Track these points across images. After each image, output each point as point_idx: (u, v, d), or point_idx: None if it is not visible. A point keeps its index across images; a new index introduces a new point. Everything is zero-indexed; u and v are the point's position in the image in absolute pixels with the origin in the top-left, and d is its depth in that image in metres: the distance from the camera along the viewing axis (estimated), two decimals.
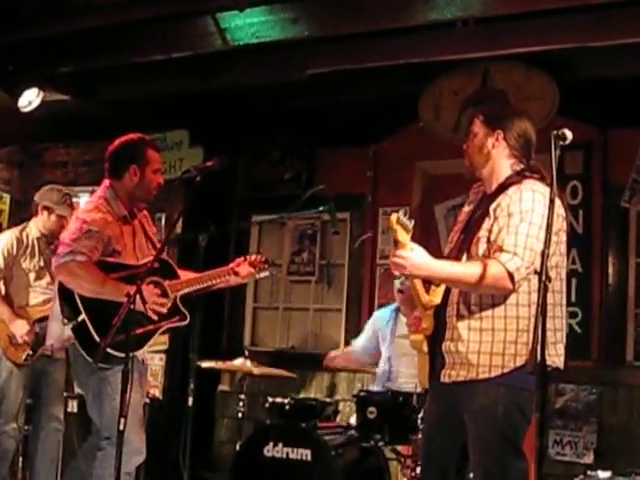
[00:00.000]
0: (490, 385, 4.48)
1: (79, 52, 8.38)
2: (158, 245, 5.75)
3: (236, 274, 5.97)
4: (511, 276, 4.33)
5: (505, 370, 4.46)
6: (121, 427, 4.63)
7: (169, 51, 8.04)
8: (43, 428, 7.63)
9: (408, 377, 7.38)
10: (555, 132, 4.18)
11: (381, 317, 7.90)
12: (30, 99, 8.66)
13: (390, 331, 7.68)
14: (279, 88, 8.84)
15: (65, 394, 7.84)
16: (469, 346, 4.53)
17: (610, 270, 8.02)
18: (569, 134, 4.19)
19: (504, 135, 4.72)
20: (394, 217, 4.41)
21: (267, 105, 9.33)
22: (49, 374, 7.54)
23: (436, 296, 4.69)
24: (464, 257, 4.64)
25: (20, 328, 7.29)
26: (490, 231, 4.53)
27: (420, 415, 6.42)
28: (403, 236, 4.42)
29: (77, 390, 6.93)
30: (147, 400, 7.14)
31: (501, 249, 4.39)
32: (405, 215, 4.46)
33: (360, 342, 7.98)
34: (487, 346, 4.50)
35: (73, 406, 8.07)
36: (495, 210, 4.55)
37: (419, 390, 6.66)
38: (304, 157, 9.41)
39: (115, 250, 5.48)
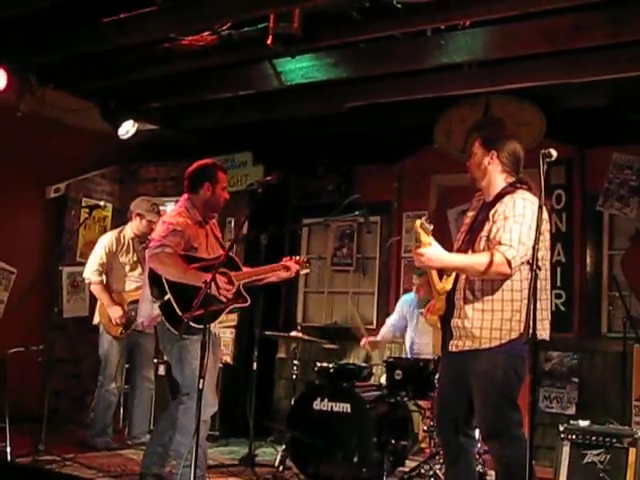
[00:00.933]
0: (491, 353, 4.54)
1: (166, 91, 8.42)
2: (226, 245, 5.80)
3: (286, 269, 5.99)
4: (509, 262, 4.41)
5: (502, 341, 4.52)
6: (200, 386, 4.65)
7: (236, 90, 8.06)
8: (138, 387, 7.73)
9: (427, 346, 7.39)
10: (543, 151, 4.24)
11: (406, 301, 7.86)
12: (127, 129, 8.71)
13: (413, 312, 7.65)
14: (323, 118, 8.83)
15: (155, 360, 7.91)
16: (473, 323, 4.60)
17: (588, 261, 7.97)
18: (554, 153, 4.23)
19: (497, 154, 4.77)
20: (418, 223, 4.60)
21: (314, 131, 9.31)
22: (141, 345, 7.63)
23: (448, 283, 4.74)
24: (469, 252, 4.69)
25: (115, 312, 7.42)
26: (490, 231, 4.59)
27: (436, 377, 6.41)
28: (425, 237, 4.56)
29: (165, 357, 6.98)
30: (221, 365, 7.17)
31: (500, 243, 4.46)
32: (426, 220, 4.58)
33: (391, 320, 7.95)
34: (488, 323, 4.57)
35: (162, 370, 8.14)
36: (493, 215, 4.62)
37: (435, 357, 6.67)
38: (343, 172, 9.37)
39: (193, 246, 5.54)
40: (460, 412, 4.81)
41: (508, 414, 4.57)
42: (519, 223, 4.49)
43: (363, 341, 8.00)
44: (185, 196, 5.76)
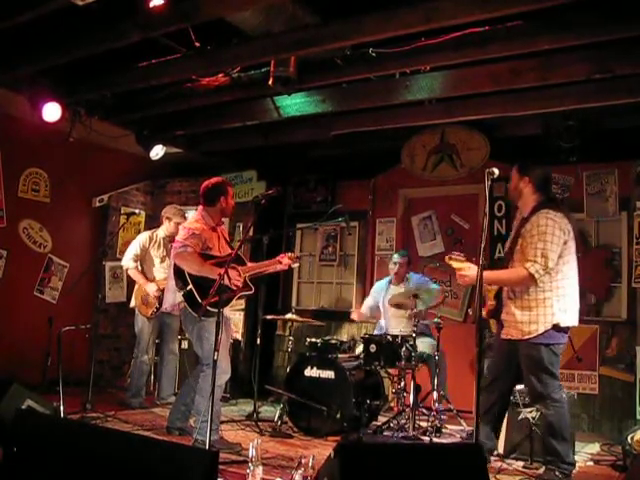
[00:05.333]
0: (531, 342, 4.85)
1: (188, 121, 8.39)
2: (234, 245, 5.86)
3: (280, 263, 6.02)
4: (532, 276, 4.73)
5: (539, 332, 4.82)
6: (215, 357, 4.63)
7: (244, 120, 8.04)
8: (165, 358, 7.69)
9: (395, 327, 7.35)
10: (487, 170, 4.32)
11: (379, 287, 7.81)
12: (157, 152, 8.66)
13: (381, 297, 7.61)
14: (313, 143, 8.82)
15: (179, 337, 7.87)
16: (515, 318, 4.92)
17: None
18: (496, 171, 4.33)
19: (529, 179, 5.02)
20: (447, 259, 5.02)
21: (305, 154, 9.32)
22: (168, 324, 7.59)
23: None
24: (510, 261, 5.02)
25: (151, 287, 7.40)
26: (521, 245, 4.91)
27: (402, 350, 6.40)
28: (457, 264, 4.94)
29: (187, 335, 6.95)
30: (231, 341, 7.13)
31: (527, 259, 4.78)
32: (456, 254, 5.01)
33: (367, 304, 7.87)
34: (527, 317, 4.88)
35: (185, 345, 8.10)
36: (524, 232, 4.90)
37: (403, 334, 6.66)
38: (329, 186, 9.34)
39: (208, 247, 5.57)
40: (506, 379, 5.14)
41: (548, 382, 4.85)
42: (542, 240, 4.75)
43: (354, 313, 7.97)
44: (201, 207, 5.77)
